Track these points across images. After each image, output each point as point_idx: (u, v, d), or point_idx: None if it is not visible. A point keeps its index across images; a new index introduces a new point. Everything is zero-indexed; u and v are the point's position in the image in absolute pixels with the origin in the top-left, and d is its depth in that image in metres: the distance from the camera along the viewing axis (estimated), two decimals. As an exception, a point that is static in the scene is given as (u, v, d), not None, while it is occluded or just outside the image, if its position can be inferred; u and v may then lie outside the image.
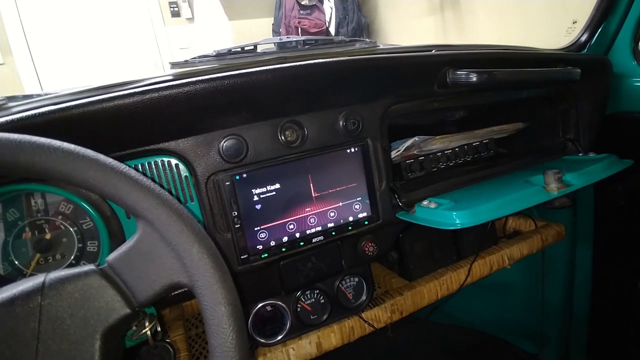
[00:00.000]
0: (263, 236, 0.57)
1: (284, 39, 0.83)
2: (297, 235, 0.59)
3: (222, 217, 0.55)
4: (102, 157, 0.34)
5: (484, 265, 0.77)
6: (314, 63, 0.55)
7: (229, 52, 0.74)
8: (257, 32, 3.21)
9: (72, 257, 0.54)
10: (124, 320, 0.35)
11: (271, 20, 3.12)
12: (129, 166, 0.36)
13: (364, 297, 0.68)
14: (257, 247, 0.56)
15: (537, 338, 1.14)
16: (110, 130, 0.48)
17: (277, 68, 0.52)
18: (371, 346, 1.26)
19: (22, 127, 0.42)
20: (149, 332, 0.40)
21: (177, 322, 0.68)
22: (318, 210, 0.60)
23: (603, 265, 1.00)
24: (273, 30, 3.09)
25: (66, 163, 0.33)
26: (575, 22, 1.27)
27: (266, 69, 0.51)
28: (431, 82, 0.65)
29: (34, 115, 0.42)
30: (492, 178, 0.75)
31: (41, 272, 0.39)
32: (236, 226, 0.55)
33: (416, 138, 0.71)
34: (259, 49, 0.79)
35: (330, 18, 2.98)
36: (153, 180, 0.47)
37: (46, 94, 0.56)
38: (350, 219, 0.62)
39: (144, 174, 0.48)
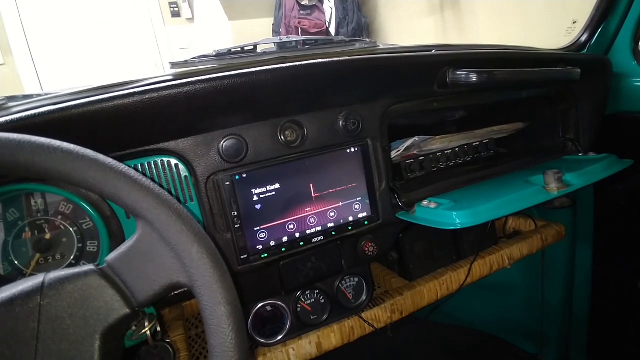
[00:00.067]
0: (263, 236, 0.57)
1: (284, 39, 0.82)
2: (297, 235, 0.59)
3: (222, 217, 0.55)
4: (101, 157, 0.34)
5: (484, 265, 0.77)
6: (314, 63, 0.55)
7: (229, 52, 0.74)
8: (257, 32, 3.21)
9: (72, 257, 0.54)
10: (124, 320, 0.35)
11: (271, 20, 3.12)
12: (129, 166, 0.36)
13: (364, 297, 0.68)
14: (257, 247, 0.56)
15: (537, 338, 1.14)
16: (110, 130, 0.48)
17: (277, 68, 0.52)
18: (371, 346, 1.26)
19: (22, 127, 0.42)
20: (148, 332, 0.40)
21: (177, 322, 0.68)
22: (318, 210, 0.60)
23: (603, 265, 1.00)
24: (273, 31, 3.09)
25: (66, 163, 0.33)
26: (575, 22, 1.27)
27: (266, 69, 0.51)
28: (431, 82, 0.65)
29: (34, 115, 0.42)
30: (492, 178, 0.75)
31: (41, 272, 0.39)
32: (236, 226, 0.55)
33: (416, 138, 0.71)
34: (259, 49, 0.79)
35: (331, 18, 2.98)
36: (153, 180, 0.47)
37: (46, 94, 0.56)
38: (350, 219, 0.62)
39: (144, 174, 0.48)
